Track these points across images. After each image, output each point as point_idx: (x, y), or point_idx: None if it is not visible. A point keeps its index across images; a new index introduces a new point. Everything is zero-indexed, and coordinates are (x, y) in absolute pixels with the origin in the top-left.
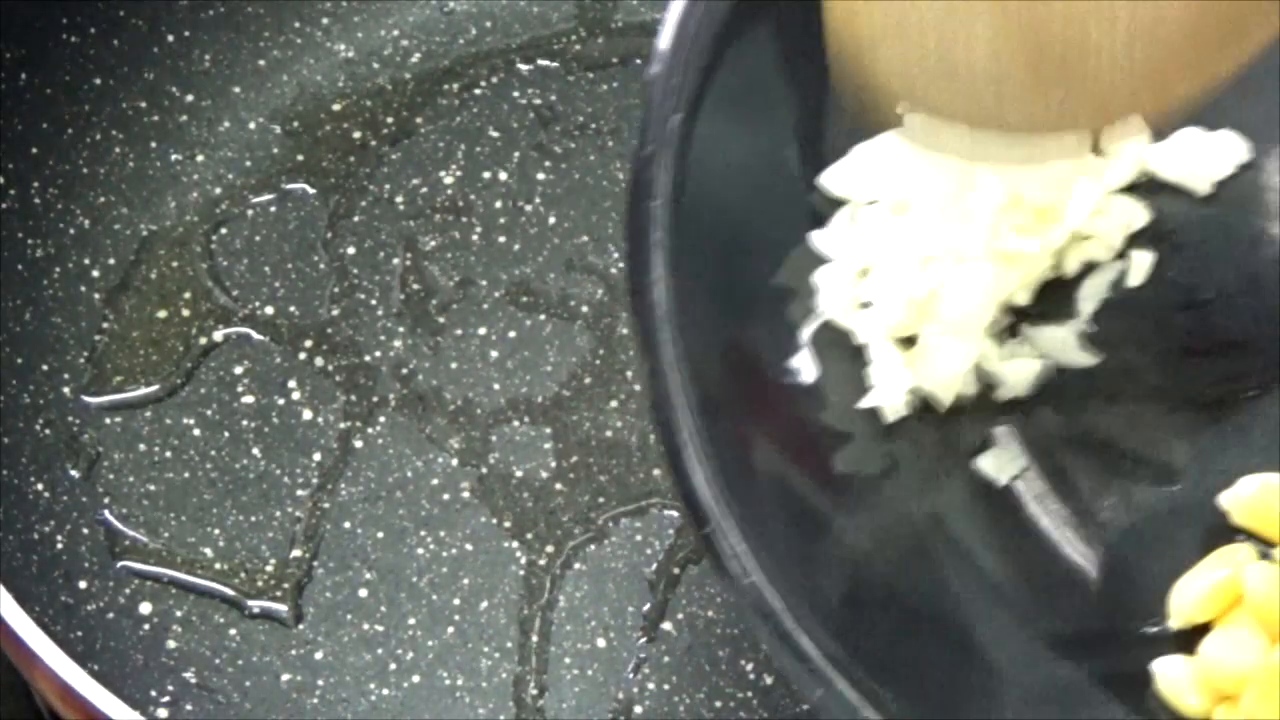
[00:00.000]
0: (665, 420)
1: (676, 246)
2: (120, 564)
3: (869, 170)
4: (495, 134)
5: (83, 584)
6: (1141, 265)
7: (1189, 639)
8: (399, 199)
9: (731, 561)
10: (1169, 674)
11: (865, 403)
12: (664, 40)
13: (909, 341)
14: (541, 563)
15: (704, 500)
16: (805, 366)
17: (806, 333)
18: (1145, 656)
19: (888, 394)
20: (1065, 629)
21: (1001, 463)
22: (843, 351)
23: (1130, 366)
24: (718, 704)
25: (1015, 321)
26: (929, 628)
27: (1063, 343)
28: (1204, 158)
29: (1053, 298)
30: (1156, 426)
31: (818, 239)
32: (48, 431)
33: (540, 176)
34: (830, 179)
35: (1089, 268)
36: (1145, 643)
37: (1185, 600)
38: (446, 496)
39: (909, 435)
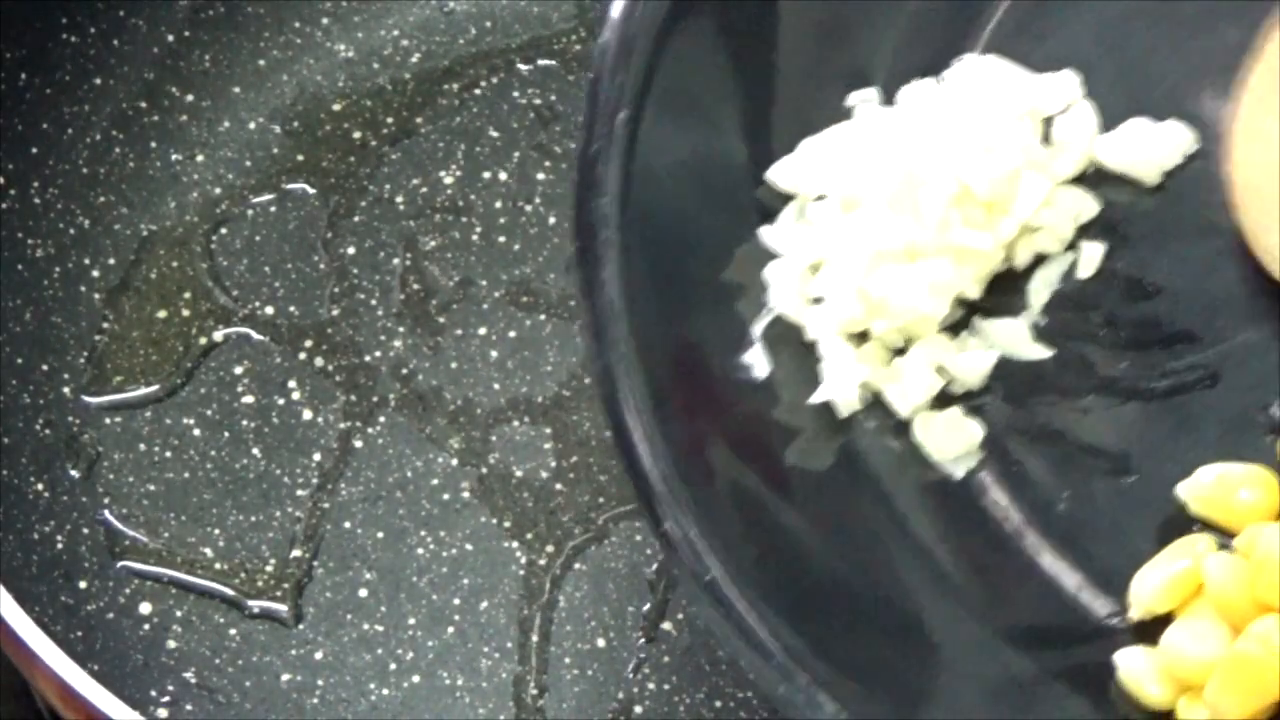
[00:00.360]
0: (618, 418)
1: (625, 244)
2: (120, 564)
3: (817, 165)
4: (495, 134)
5: (83, 584)
6: (1092, 257)
7: (1150, 630)
8: (399, 199)
9: (690, 559)
10: (1131, 666)
11: (817, 398)
12: (606, 36)
13: (861, 337)
14: (541, 563)
15: (660, 497)
16: (757, 362)
17: (758, 328)
18: (1106, 649)
19: (840, 389)
20: (1024, 622)
21: (957, 456)
22: (794, 347)
23: (1082, 358)
24: (718, 704)
25: (967, 315)
26: (887, 622)
27: (1015, 336)
28: (1152, 148)
29: (1004, 290)
30: (1110, 418)
31: (767, 234)
32: (48, 431)
33: (540, 176)
34: (778, 174)
35: (1039, 260)
36: (1106, 635)
37: (1145, 591)
38: (446, 496)
39: (862, 429)
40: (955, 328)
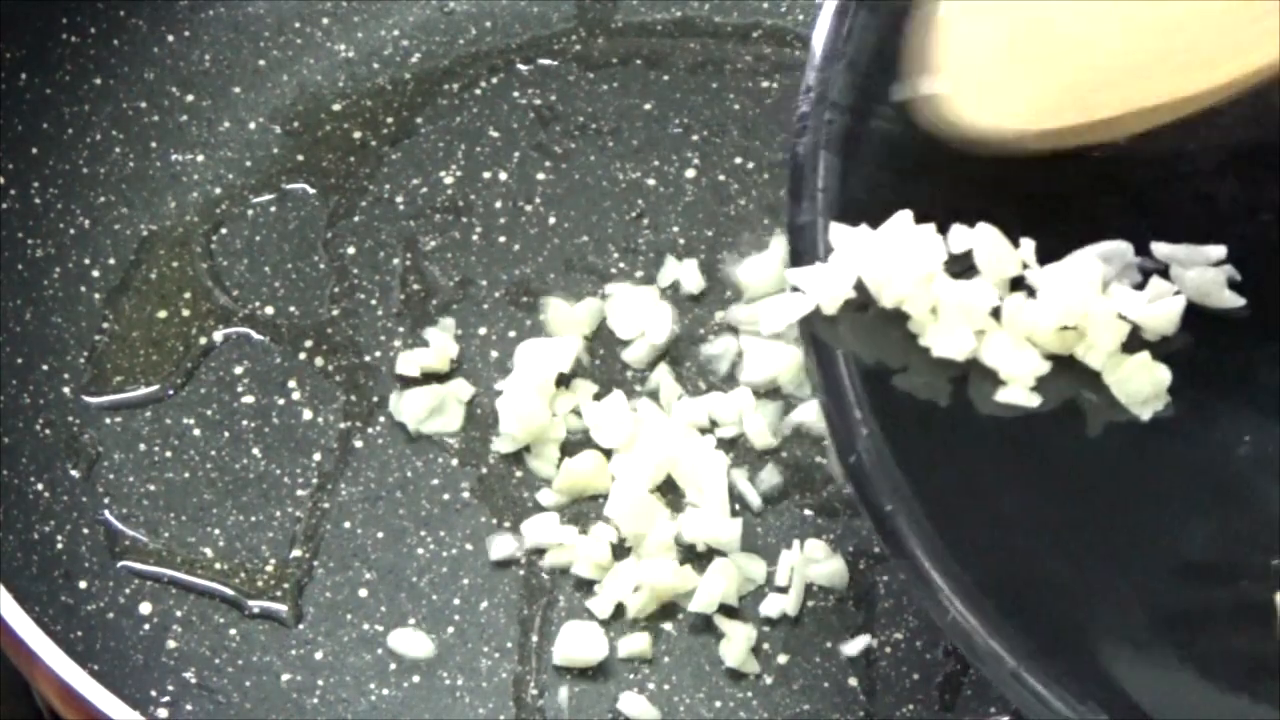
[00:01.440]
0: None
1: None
2: (120, 564)
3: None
4: (495, 134)
5: (83, 584)
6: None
7: None
8: (399, 199)
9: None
10: None
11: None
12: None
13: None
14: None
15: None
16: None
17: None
18: (1270, 588)
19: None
20: (1193, 558)
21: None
22: None
23: (1270, 306)
24: (718, 704)
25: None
26: (1060, 551)
27: (1212, 284)
28: None
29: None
30: None
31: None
32: (48, 431)
33: (540, 176)
34: (799, 277)
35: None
36: (1271, 575)
37: None
38: (446, 496)
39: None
40: (1147, 275)
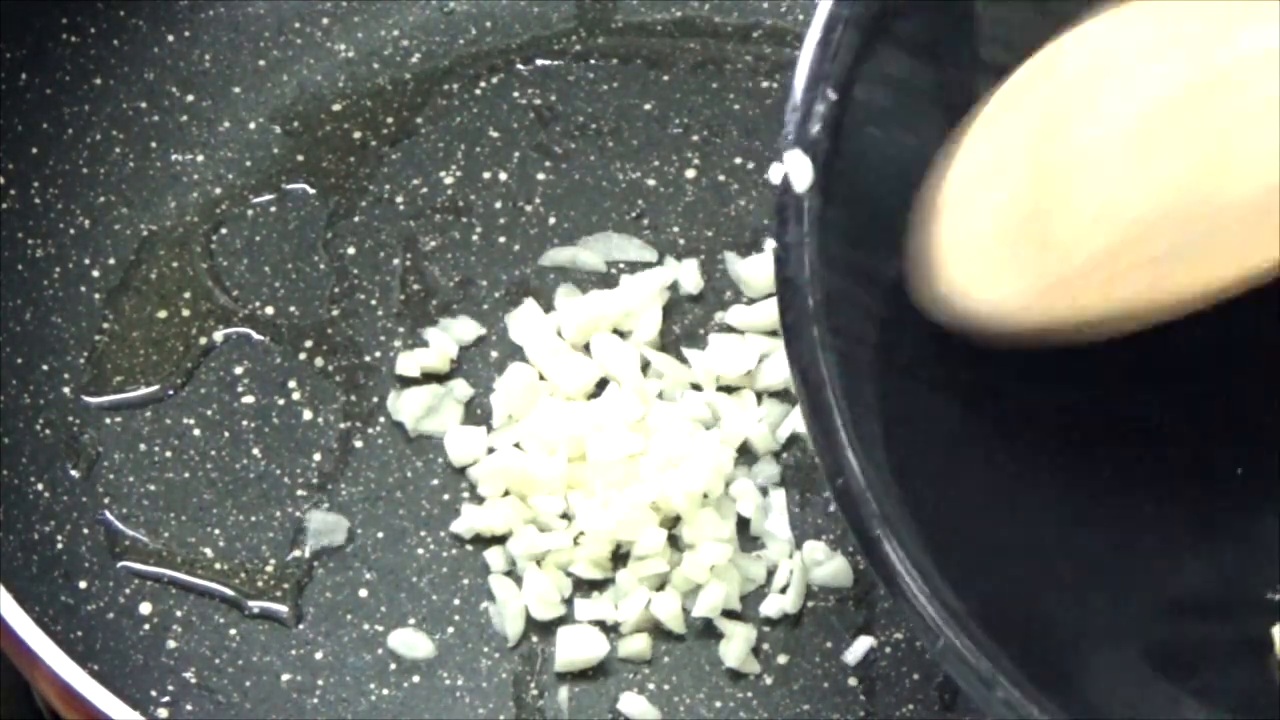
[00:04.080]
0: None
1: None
2: (120, 564)
3: None
4: (495, 134)
5: (83, 584)
6: None
7: None
8: (399, 199)
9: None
10: None
11: None
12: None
13: None
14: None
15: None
16: None
17: None
18: (1268, 622)
19: None
20: (1189, 591)
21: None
22: None
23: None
24: (718, 704)
25: None
26: (1055, 582)
27: None
28: None
29: None
30: None
31: None
32: (48, 431)
33: (540, 176)
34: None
35: None
36: (1270, 609)
37: None
38: (446, 497)
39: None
40: None
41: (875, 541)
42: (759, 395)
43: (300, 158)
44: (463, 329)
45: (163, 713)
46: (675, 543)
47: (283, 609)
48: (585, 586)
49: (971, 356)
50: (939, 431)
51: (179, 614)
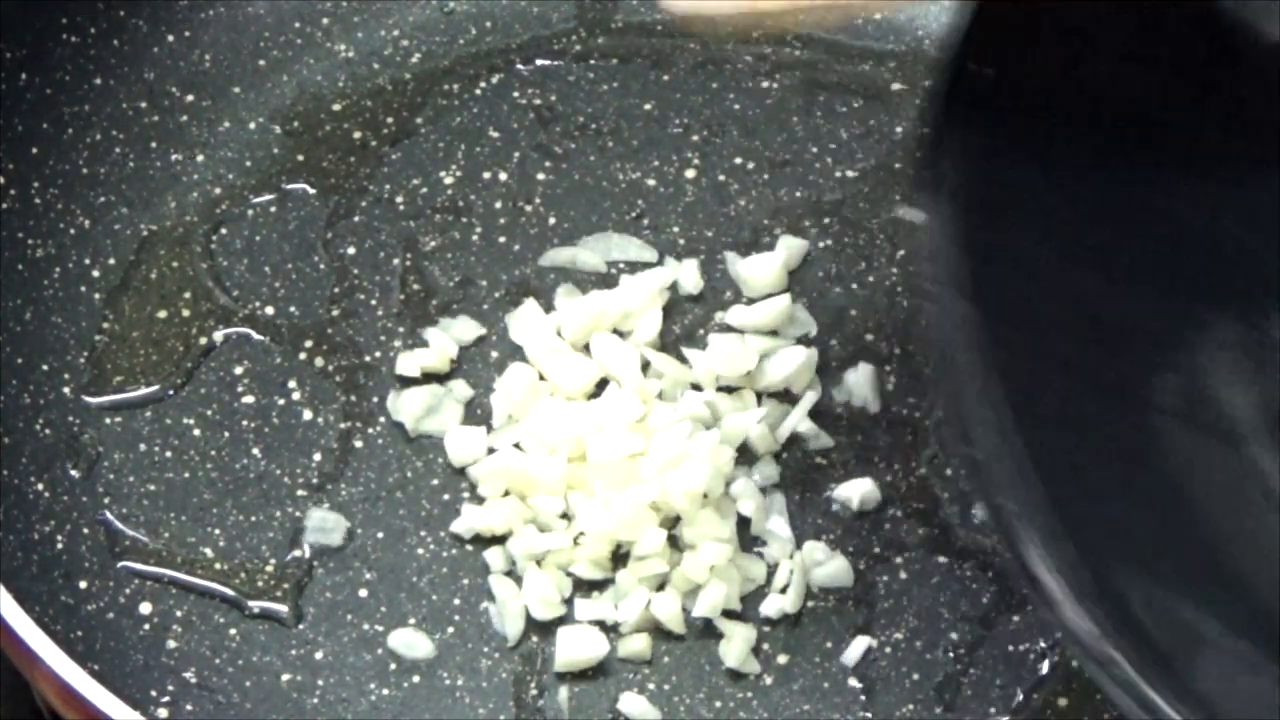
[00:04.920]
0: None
1: None
2: (120, 564)
3: None
4: (495, 134)
5: (83, 584)
6: None
7: None
8: (399, 199)
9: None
10: None
11: None
12: None
13: None
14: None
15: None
16: None
17: None
18: None
19: None
20: None
21: None
22: None
23: None
24: (718, 704)
25: None
26: (1182, 579)
27: None
28: None
29: None
30: None
31: None
32: (48, 431)
33: (540, 176)
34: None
35: None
36: None
37: None
38: (446, 497)
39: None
40: None
41: (1003, 511)
42: (759, 395)
43: (300, 158)
44: (463, 329)
45: (163, 713)
46: (675, 543)
47: (283, 609)
48: (585, 586)
49: (1114, 350)
50: (1087, 416)
51: (179, 614)
